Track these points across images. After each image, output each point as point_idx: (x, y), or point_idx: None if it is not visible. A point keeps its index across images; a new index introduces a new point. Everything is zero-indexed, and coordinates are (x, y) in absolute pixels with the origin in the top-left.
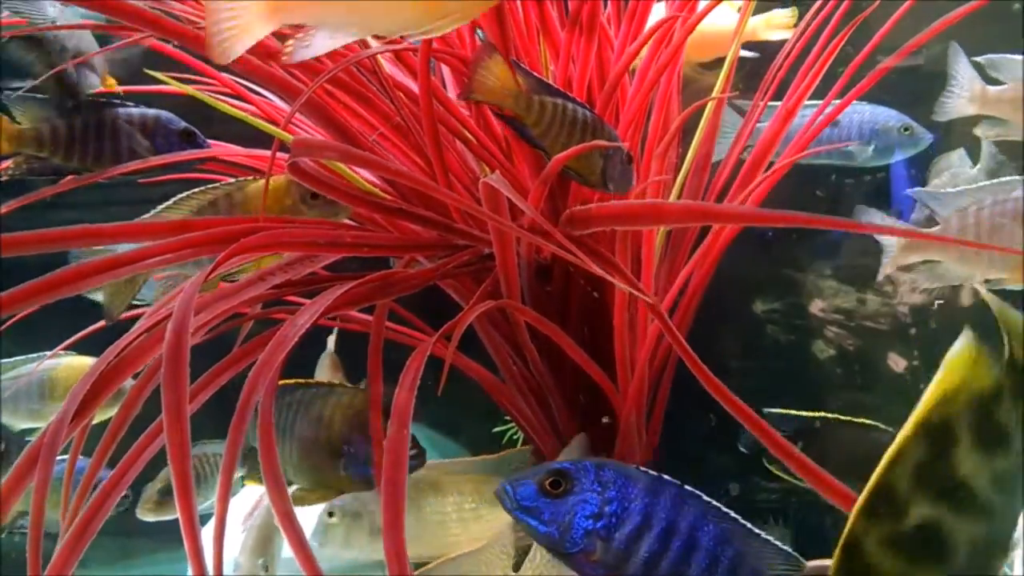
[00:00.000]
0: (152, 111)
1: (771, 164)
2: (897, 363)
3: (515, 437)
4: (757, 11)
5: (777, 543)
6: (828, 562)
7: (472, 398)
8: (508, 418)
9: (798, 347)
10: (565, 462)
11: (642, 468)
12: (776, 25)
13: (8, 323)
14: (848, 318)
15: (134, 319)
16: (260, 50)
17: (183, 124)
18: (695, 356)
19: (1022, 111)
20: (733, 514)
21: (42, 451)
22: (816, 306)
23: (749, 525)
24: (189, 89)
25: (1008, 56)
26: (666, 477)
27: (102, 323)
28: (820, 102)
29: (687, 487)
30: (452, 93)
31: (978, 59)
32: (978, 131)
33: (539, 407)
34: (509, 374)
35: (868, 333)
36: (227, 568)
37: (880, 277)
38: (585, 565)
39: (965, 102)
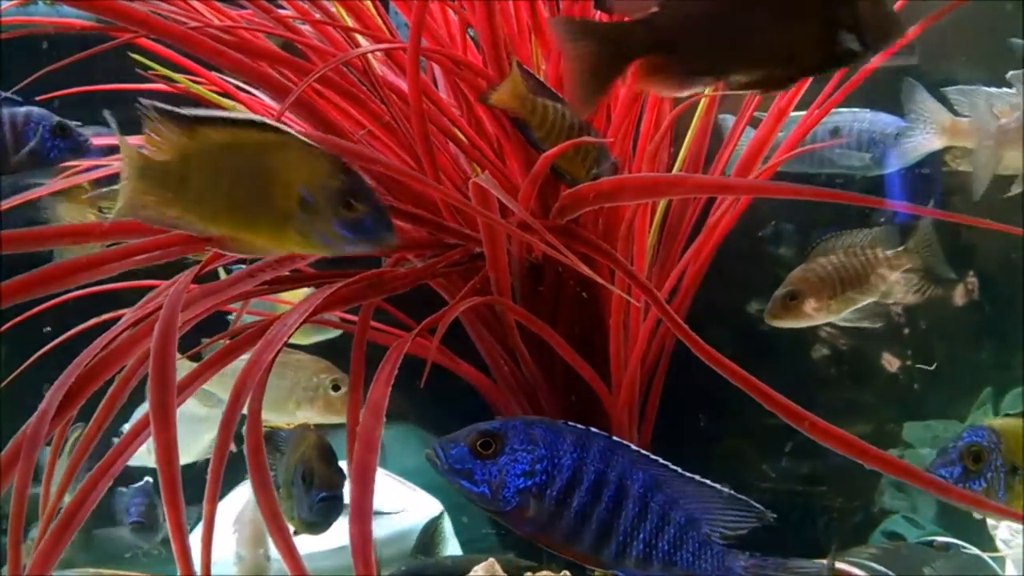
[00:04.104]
0: (23, 108)
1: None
2: (891, 363)
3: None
4: None
5: (713, 484)
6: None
7: (463, 399)
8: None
9: (792, 347)
10: (494, 422)
11: (570, 423)
12: None
13: (7, 326)
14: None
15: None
16: (251, 49)
17: (56, 119)
18: (695, 336)
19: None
20: (663, 461)
21: (24, 444)
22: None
23: (680, 470)
24: (187, 81)
25: (984, 88)
26: (594, 430)
27: (93, 322)
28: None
29: (615, 438)
30: (443, 92)
31: (947, 89)
32: (949, 159)
33: (530, 408)
34: (500, 375)
35: (862, 333)
36: (228, 564)
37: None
38: (520, 522)
39: (932, 137)
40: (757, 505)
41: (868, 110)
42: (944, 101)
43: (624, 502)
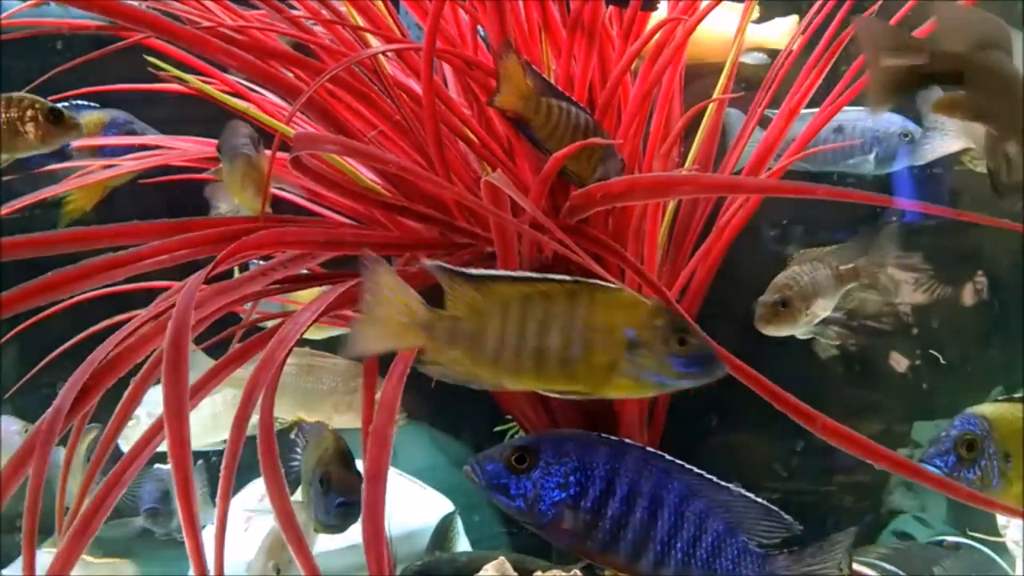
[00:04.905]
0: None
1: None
2: (899, 362)
3: (516, 436)
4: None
5: (748, 494)
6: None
7: (474, 397)
8: (509, 417)
9: (800, 346)
10: (528, 436)
11: (604, 435)
12: (783, 31)
13: (14, 332)
14: (850, 317)
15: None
16: (261, 49)
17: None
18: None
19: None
20: (698, 470)
21: (39, 440)
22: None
23: (715, 479)
24: (197, 82)
25: None
26: (628, 441)
27: (107, 323)
28: (817, 109)
29: (650, 448)
30: (454, 92)
31: None
32: (967, 161)
33: (540, 406)
34: None
35: (870, 332)
36: (239, 568)
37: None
38: (557, 534)
39: (951, 138)
40: (787, 517)
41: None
42: None
43: (660, 512)
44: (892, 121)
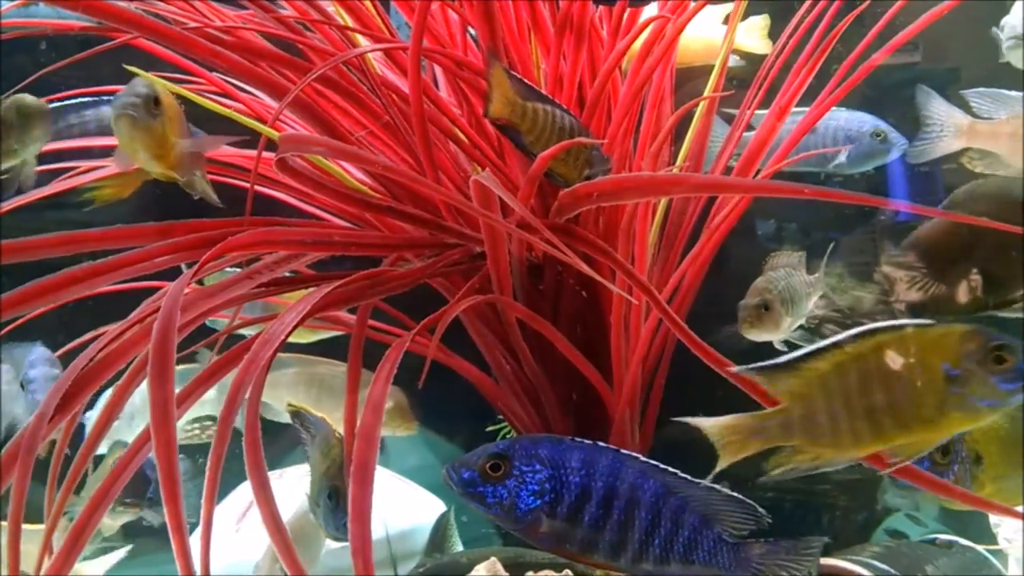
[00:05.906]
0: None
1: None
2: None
3: (508, 436)
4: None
5: (723, 489)
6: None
7: (466, 399)
8: (501, 417)
9: (795, 346)
10: (501, 443)
11: (577, 439)
12: (753, 32)
13: (5, 330)
14: (845, 316)
15: None
16: (248, 49)
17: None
18: (694, 335)
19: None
20: (672, 469)
21: (22, 447)
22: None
23: (688, 476)
24: (178, 88)
25: (1004, 92)
26: (601, 444)
27: (91, 335)
28: (806, 109)
29: (623, 451)
30: (444, 92)
31: (967, 92)
32: (966, 162)
33: (532, 406)
34: (502, 374)
35: None
36: (231, 569)
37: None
38: (536, 537)
39: (950, 139)
40: (759, 508)
41: (844, 108)
42: (966, 106)
43: (636, 511)
44: (864, 120)
